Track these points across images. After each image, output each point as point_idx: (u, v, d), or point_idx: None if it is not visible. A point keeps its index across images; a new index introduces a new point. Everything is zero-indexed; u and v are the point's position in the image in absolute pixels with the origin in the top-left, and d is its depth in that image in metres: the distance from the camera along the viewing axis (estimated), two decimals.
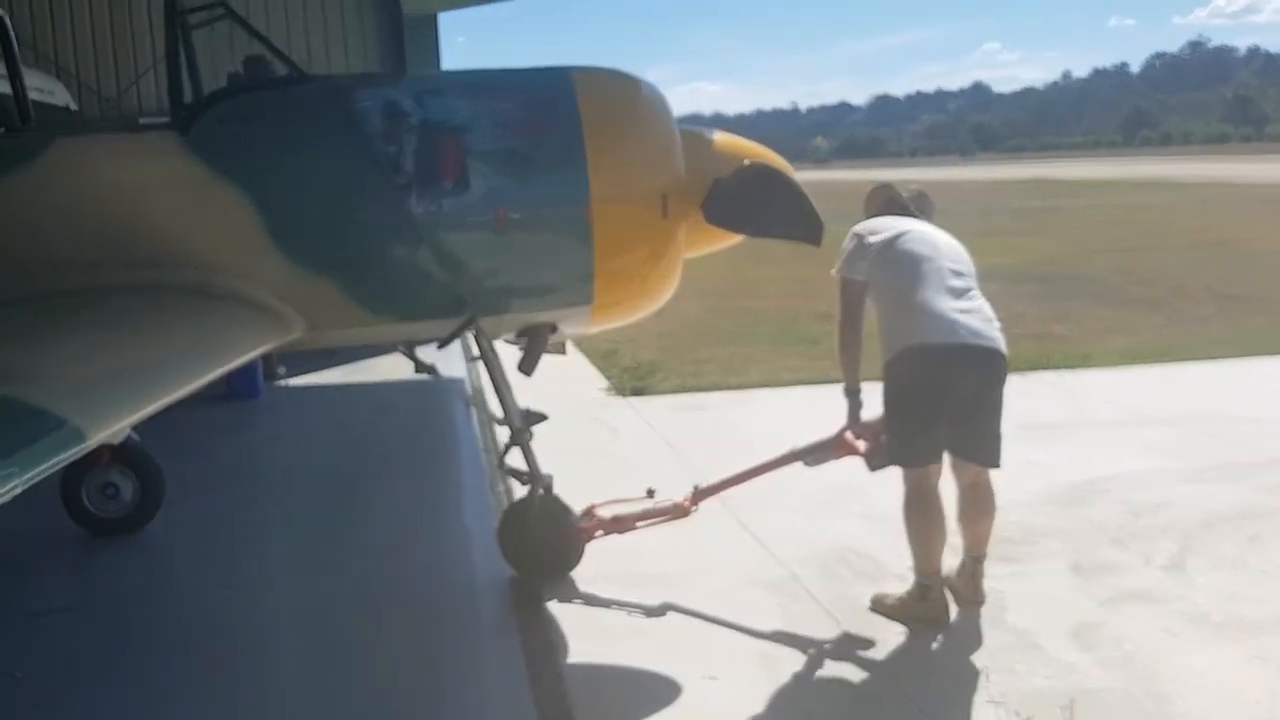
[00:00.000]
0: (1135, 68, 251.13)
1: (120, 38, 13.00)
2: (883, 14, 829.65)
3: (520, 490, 5.16)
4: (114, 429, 2.87)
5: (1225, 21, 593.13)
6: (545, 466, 5.09)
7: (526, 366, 4.81)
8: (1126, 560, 5.00)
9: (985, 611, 4.52)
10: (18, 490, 2.41)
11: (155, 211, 4.15)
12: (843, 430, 4.74)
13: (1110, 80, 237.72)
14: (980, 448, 4.48)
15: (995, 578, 4.85)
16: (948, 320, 4.31)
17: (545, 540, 4.99)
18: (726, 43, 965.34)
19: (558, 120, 4.36)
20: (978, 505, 4.56)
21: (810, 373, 9.09)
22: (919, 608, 4.46)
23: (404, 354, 5.15)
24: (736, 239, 5.01)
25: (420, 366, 5.16)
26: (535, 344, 4.78)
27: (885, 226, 4.65)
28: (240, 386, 9.43)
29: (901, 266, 4.47)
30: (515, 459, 4.98)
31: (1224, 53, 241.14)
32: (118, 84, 12.98)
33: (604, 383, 9.83)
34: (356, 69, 12.79)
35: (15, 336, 3.55)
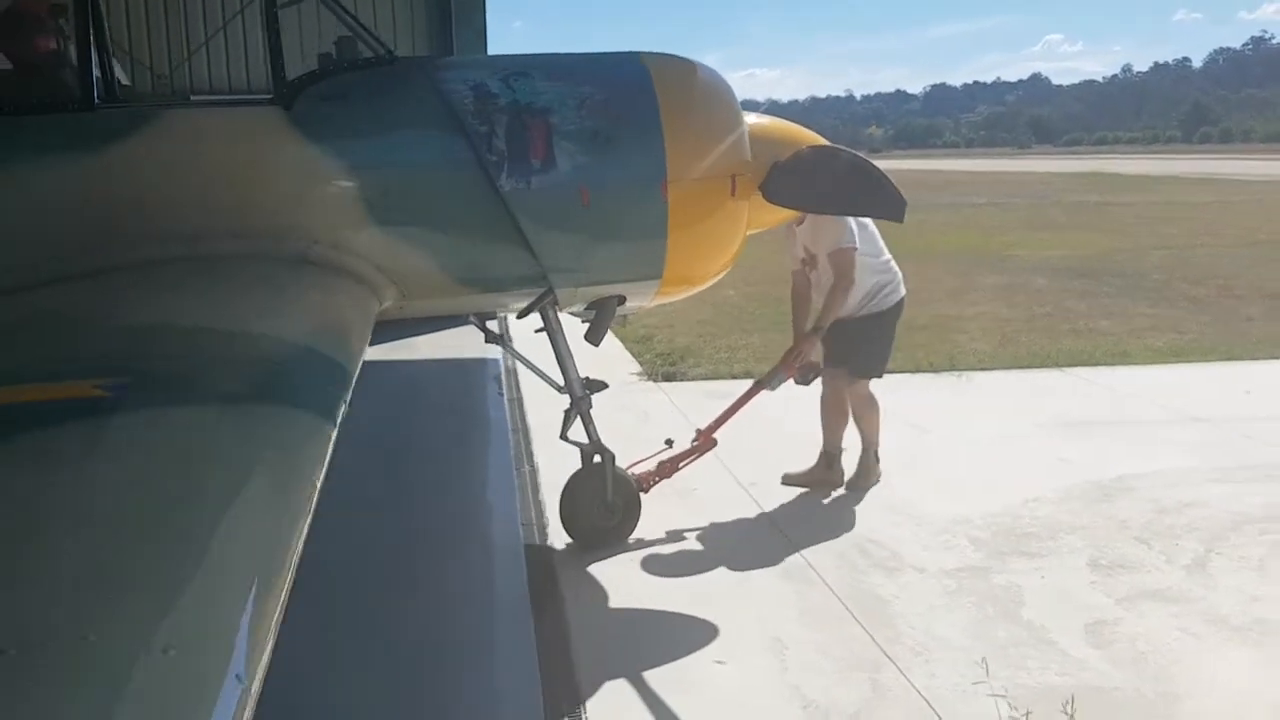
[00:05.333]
0: (1197, 63, 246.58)
1: (173, 15, 13.16)
2: (943, 2, 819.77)
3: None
4: (359, 364, 3.09)
5: None
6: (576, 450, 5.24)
7: (594, 337, 5.04)
8: (1148, 559, 4.93)
9: (999, 606, 4.48)
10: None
11: (259, 184, 4.26)
12: (790, 356, 5.84)
13: (1171, 75, 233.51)
14: None
15: (1012, 573, 4.83)
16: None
17: (616, 504, 5.31)
18: (783, 28, 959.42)
19: (636, 103, 4.51)
20: None
21: None
22: (850, 476, 6.16)
23: (475, 324, 5.39)
24: (787, 216, 5.37)
25: (490, 337, 5.40)
26: (604, 315, 4.99)
27: None
28: None
29: (872, 237, 5.91)
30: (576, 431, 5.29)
31: None
32: (170, 60, 13.13)
33: (637, 368, 9.83)
34: (403, 51, 12.86)
35: (200, 293, 3.67)
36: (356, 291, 4.16)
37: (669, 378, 9.33)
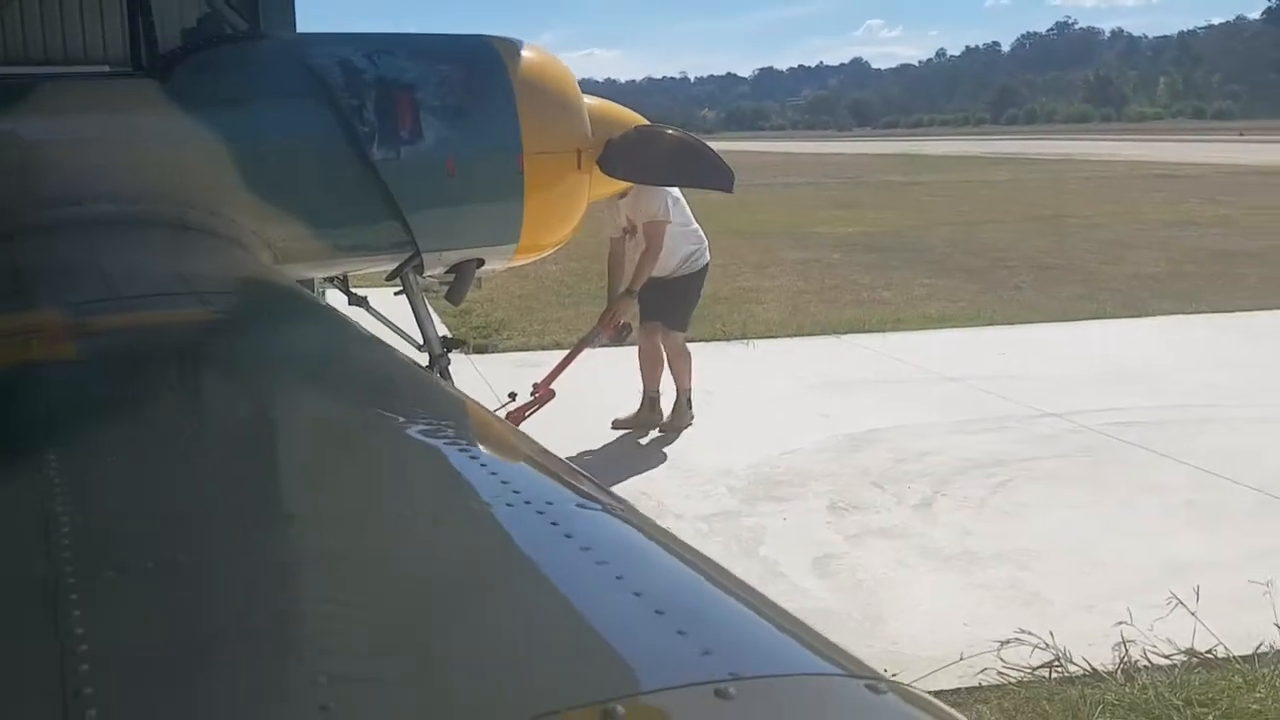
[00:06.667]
0: (1006, 47, 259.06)
1: None
2: None
3: None
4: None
5: (1097, 3, 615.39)
6: None
7: (455, 297, 5.40)
8: (881, 501, 5.46)
9: (742, 544, 4.94)
10: None
11: (138, 152, 4.39)
12: (607, 316, 6.64)
13: (982, 59, 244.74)
14: None
15: (760, 515, 5.29)
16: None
17: None
18: (620, 8, 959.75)
19: (492, 82, 4.86)
20: None
21: None
22: (667, 418, 6.92)
23: (338, 288, 5.70)
24: (619, 189, 6.03)
25: (353, 299, 5.70)
26: (464, 276, 5.29)
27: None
28: None
29: (683, 209, 6.68)
30: None
31: (1090, 34, 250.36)
32: None
33: None
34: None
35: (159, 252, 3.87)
36: (240, 253, 4.34)
37: (480, 350, 9.54)
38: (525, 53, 5.10)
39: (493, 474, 1.48)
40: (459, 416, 1.85)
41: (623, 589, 1.04)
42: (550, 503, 1.31)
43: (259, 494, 1.38)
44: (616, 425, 6.94)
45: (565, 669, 0.92)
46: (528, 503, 1.30)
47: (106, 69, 7.38)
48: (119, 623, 1.00)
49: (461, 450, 1.62)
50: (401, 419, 1.79)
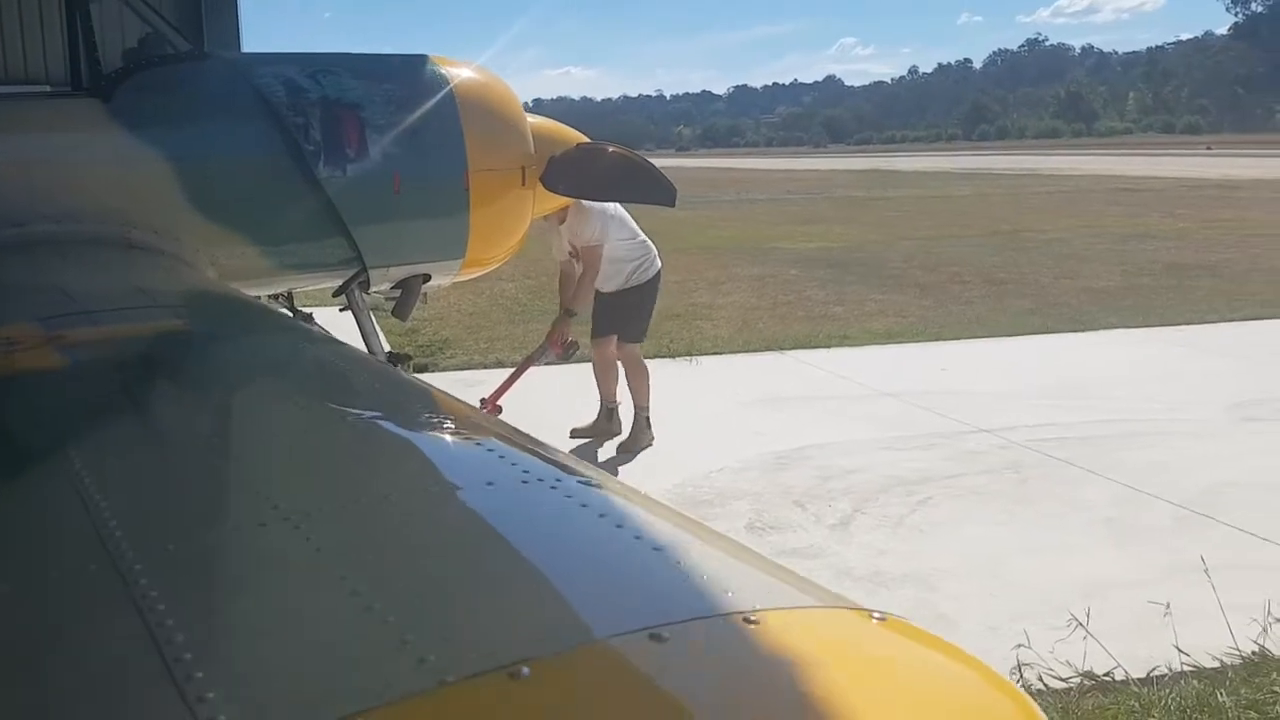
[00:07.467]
0: (978, 64, 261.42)
1: None
2: (745, 6, 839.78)
3: None
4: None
5: (1067, 20, 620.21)
6: None
7: (402, 313, 5.47)
8: (800, 520, 5.36)
9: None
10: None
11: (82, 171, 4.41)
12: (553, 335, 6.65)
13: (953, 75, 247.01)
14: None
15: None
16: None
17: None
18: (597, 27, 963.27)
19: (437, 100, 4.92)
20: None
21: None
22: (625, 438, 6.87)
23: (283, 305, 5.74)
24: (562, 204, 6.13)
25: (299, 316, 5.73)
26: (410, 292, 5.36)
27: (597, 204, 6.42)
28: None
29: (622, 222, 6.71)
30: None
31: (1060, 51, 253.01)
32: None
33: None
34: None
35: (106, 269, 3.89)
36: (188, 270, 4.34)
37: (421, 369, 9.40)
38: (469, 72, 5.17)
39: (500, 457, 1.59)
40: (449, 410, 1.96)
41: (644, 546, 1.19)
42: (559, 480, 1.42)
43: (306, 482, 1.53)
44: (575, 434, 7.03)
45: (617, 603, 1.06)
46: (540, 480, 1.43)
47: (47, 88, 7.40)
48: (191, 598, 1.12)
49: (466, 438, 1.75)
50: (401, 414, 1.95)
